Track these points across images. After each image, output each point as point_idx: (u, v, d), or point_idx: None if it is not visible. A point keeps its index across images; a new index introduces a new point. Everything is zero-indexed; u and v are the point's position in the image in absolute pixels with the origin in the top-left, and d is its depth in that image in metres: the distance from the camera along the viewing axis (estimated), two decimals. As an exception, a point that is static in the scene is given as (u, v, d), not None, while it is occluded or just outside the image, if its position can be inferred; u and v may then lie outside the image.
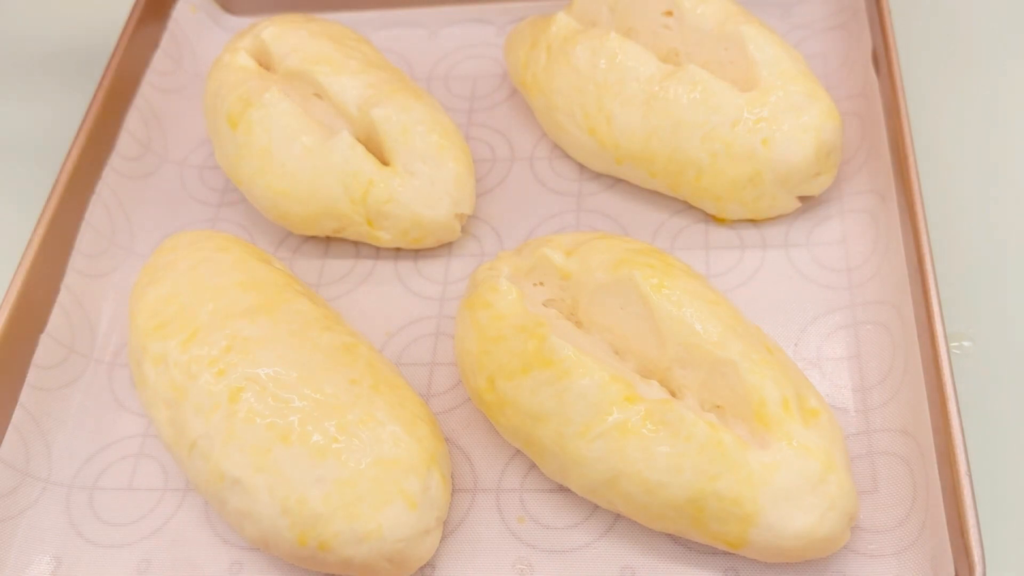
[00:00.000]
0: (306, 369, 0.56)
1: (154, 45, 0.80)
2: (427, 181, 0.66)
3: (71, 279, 0.67)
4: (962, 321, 0.61)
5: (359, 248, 0.70)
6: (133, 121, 0.76)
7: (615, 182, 0.70)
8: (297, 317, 0.59)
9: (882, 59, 0.67)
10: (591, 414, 0.53)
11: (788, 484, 0.50)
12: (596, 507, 0.57)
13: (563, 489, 0.57)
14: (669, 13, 0.68)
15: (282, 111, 0.66)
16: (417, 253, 0.69)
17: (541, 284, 0.59)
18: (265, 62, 0.71)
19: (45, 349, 0.64)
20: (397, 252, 0.69)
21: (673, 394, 0.54)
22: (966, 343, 0.61)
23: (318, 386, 0.55)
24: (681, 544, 0.55)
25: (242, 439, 0.54)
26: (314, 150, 0.65)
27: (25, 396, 0.63)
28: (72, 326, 0.66)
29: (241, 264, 0.61)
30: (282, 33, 0.70)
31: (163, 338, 0.58)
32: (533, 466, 0.59)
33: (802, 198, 0.65)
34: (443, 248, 0.69)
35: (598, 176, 0.71)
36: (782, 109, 0.63)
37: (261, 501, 0.53)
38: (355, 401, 0.55)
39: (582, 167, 0.72)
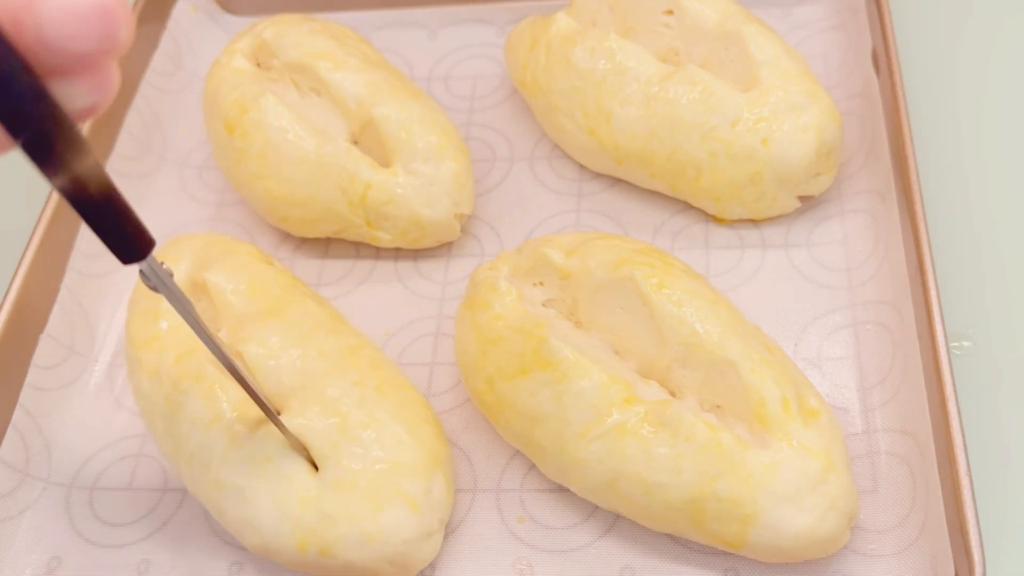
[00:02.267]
0: (309, 376, 0.56)
1: (154, 45, 0.80)
2: (426, 181, 0.66)
3: (71, 279, 0.67)
4: (962, 321, 0.61)
5: (359, 248, 0.70)
6: (133, 121, 0.76)
7: (615, 182, 0.70)
8: (305, 319, 0.59)
9: (882, 59, 0.67)
10: (590, 415, 0.53)
11: (788, 484, 0.50)
12: (596, 507, 0.57)
13: (563, 489, 0.57)
14: (670, 12, 0.68)
15: (278, 115, 0.66)
16: (417, 253, 0.69)
17: (541, 284, 0.59)
18: (265, 63, 0.71)
19: (45, 349, 0.64)
20: (397, 252, 0.69)
21: (673, 394, 0.54)
22: (966, 343, 0.61)
23: (321, 389, 0.55)
24: (681, 544, 0.55)
25: (241, 449, 0.54)
26: (311, 154, 0.65)
27: (25, 396, 0.63)
28: (72, 326, 0.66)
29: (246, 267, 0.61)
30: (283, 32, 0.70)
31: (158, 351, 0.58)
32: (533, 466, 0.59)
33: (802, 198, 0.65)
34: (443, 248, 0.69)
35: (598, 176, 0.71)
36: (782, 109, 0.63)
37: (262, 508, 0.53)
38: (359, 403, 0.55)
39: (582, 167, 0.71)
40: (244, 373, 0.50)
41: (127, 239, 0.39)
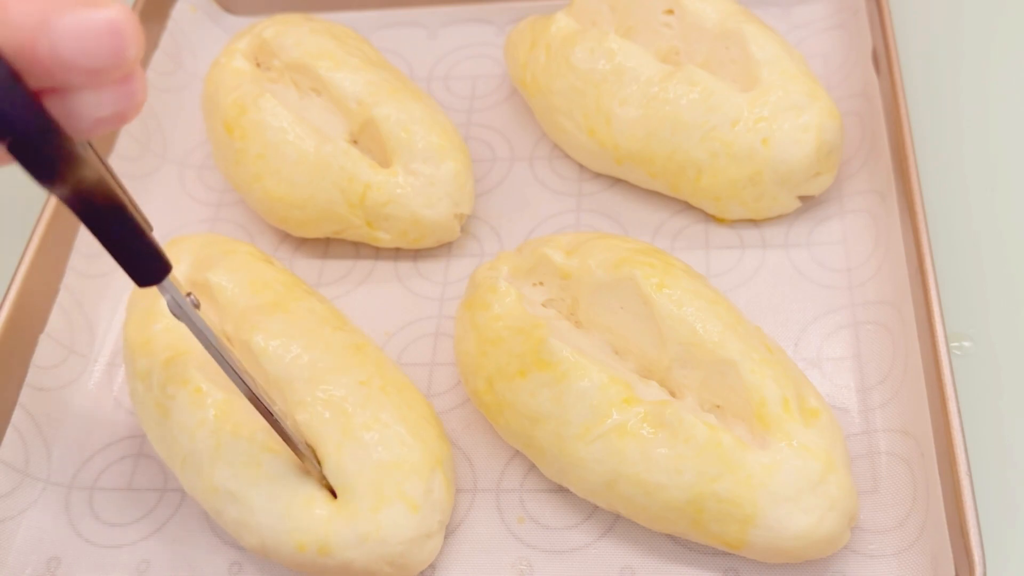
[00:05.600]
0: (315, 370, 0.55)
1: (154, 45, 0.80)
2: (426, 181, 0.66)
3: (71, 279, 0.67)
4: (962, 321, 0.61)
5: (359, 248, 0.70)
6: (133, 121, 0.76)
7: (615, 182, 0.70)
8: (310, 316, 0.59)
9: (882, 59, 0.67)
10: (590, 416, 0.53)
11: (788, 484, 0.50)
12: (596, 507, 0.57)
13: (563, 489, 0.57)
14: (670, 12, 0.68)
15: (278, 116, 0.66)
16: (417, 253, 0.69)
17: (541, 284, 0.59)
18: (264, 63, 0.71)
19: (45, 349, 0.64)
20: (397, 252, 0.69)
21: (673, 394, 0.54)
22: (966, 343, 0.61)
23: (327, 386, 0.55)
24: (681, 544, 0.55)
25: (230, 452, 0.54)
26: (311, 155, 0.65)
27: (25, 396, 0.63)
28: (72, 326, 0.66)
29: (246, 267, 0.61)
30: (283, 32, 0.70)
31: (150, 354, 0.58)
32: (533, 466, 0.59)
33: (802, 198, 0.65)
34: (443, 248, 0.69)
35: (598, 176, 0.71)
36: (782, 108, 0.63)
37: (257, 509, 0.53)
38: (364, 403, 0.55)
39: (582, 167, 0.71)
40: (261, 396, 0.50)
41: (138, 259, 0.41)
